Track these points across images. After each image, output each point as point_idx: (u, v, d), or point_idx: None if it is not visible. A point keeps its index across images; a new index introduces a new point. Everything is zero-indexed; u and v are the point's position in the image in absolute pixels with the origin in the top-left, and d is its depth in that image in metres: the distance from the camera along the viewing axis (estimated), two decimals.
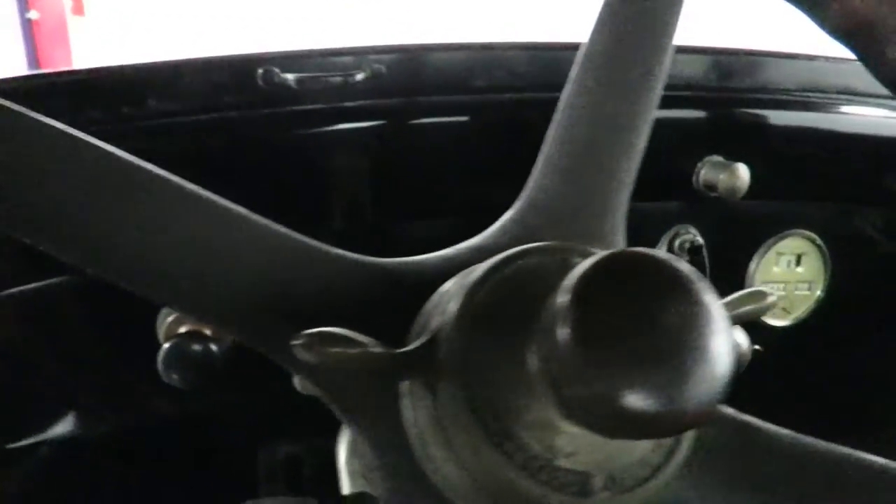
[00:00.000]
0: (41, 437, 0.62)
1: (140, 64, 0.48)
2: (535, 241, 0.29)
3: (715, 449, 0.29)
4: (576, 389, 0.21)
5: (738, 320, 0.28)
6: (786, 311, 0.69)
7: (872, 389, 0.77)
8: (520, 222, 0.31)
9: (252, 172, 0.51)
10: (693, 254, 0.65)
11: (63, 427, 0.62)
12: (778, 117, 0.62)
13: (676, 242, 0.65)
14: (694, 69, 0.59)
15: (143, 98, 0.47)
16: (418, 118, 0.55)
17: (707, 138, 0.61)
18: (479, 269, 0.27)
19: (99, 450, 0.68)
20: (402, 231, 0.60)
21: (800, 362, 0.73)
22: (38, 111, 0.45)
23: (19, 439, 0.62)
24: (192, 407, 0.66)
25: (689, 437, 0.27)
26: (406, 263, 0.30)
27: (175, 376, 0.52)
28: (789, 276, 0.69)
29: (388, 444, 0.27)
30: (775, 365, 0.67)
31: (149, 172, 0.26)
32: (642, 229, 0.64)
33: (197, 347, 0.52)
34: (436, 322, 0.26)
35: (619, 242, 0.32)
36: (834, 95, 0.63)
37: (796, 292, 0.70)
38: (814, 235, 0.68)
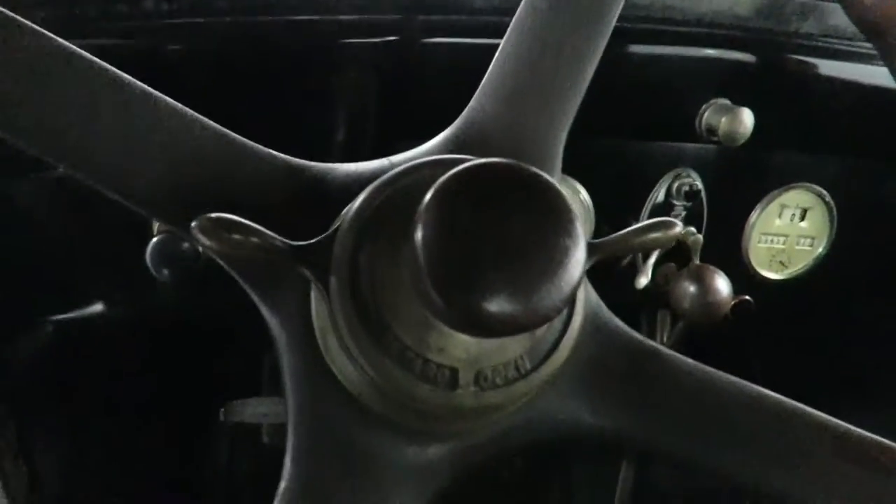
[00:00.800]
0: (50, 318, 0.67)
1: None
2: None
3: (609, 370, 0.30)
4: (425, 287, 0.23)
5: (642, 247, 0.29)
6: (783, 265, 0.68)
7: (862, 348, 0.76)
8: (453, 140, 0.32)
9: (242, 79, 0.51)
10: (690, 198, 0.64)
11: (71, 314, 0.66)
12: (794, 62, 0.59)
13: (675, 185, 0.64)
14: (707, 5, 0.57)
15: None
16: (416, 37, 0.55)
17: (715, 79, 0.59)
18: (383, 177, 0.28)
19: (104, 341, 0.72)
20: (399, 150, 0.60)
21: (791, 316, 0.72)
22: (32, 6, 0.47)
23: (28, 319, 0.66)
24: (199, 307, 0.69)
25: (566, 348, 0.28)
26: (335, 169, 0.31)
27: (165, 271, 0.55)
28: (791, 229, 0.67)
29: (296, 331, 0.29)
30: (765, 317, 0.66)
31: (83, 58, 0.27)
32: (640, 168, 0.63)
33: (187, 244, 0.54)
34: (337, 223, 0.28)
35: (552, 169, 0.32)
36: (858, 43, 0.60)
37: (797, 247, 0.68)
38: (823, 191, 0.66)
